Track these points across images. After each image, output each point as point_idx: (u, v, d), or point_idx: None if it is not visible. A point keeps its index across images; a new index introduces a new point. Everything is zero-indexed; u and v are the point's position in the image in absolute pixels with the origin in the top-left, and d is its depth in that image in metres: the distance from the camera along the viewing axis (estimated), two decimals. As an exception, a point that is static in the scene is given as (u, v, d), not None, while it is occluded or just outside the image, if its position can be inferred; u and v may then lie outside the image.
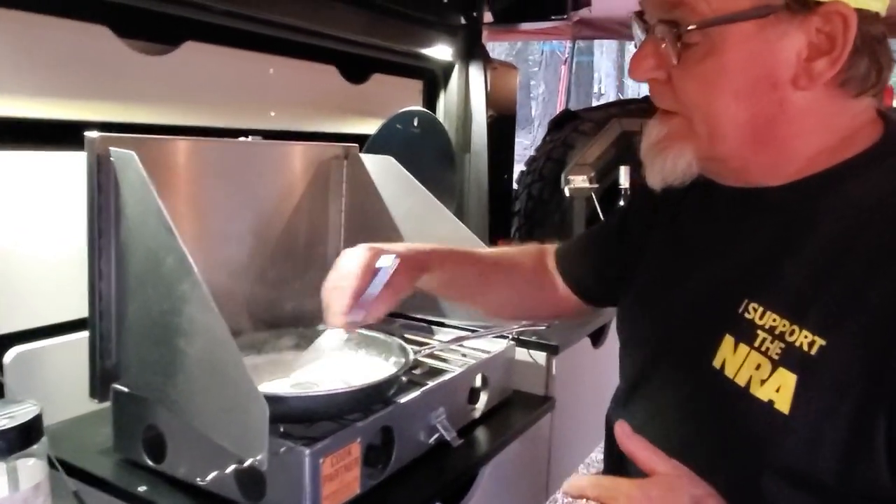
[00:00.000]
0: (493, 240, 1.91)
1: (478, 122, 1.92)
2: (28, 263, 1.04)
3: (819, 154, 0.66)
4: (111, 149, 0.89)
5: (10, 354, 0.99)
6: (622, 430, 0.62)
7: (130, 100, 1.21)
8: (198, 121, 1.31)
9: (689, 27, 0.62)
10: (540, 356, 1.30)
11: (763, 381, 0.62)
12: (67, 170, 1.05)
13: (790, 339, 0.61)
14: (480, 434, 1.09)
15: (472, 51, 1.92)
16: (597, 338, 1.55)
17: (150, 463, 0.90)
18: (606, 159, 2.97)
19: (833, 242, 0.63)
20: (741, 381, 0.64)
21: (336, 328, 0.85)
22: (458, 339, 1.17)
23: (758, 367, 0.63)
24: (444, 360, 1.14)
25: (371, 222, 1.30)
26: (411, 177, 1.25)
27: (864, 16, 0.60)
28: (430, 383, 1.00)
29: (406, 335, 1.21)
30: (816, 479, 0.60)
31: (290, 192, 1.26)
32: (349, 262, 0.85)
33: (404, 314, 1.32)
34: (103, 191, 0.90)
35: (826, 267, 0.62)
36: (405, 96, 1.87)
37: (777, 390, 0.61)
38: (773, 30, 0.61)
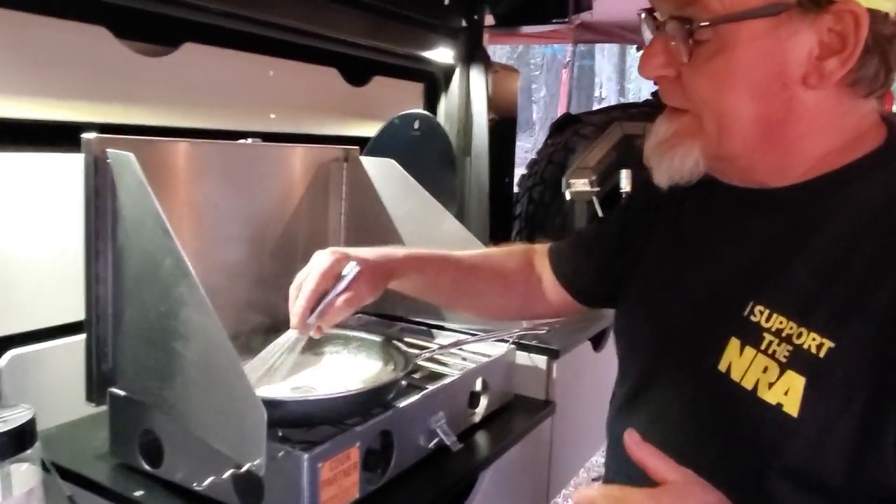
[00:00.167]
0: (493, 243, 1.90)
1: (479, 125, 1.92)
2: (24, 266, 1.03)
3: (827, 155, 0.66)
4: (108, 150, 0.89)
5: (6, 358, 0.98)
6: (631, 438, 0.61)
7: (129, 101, 1.20)
8: (197, 123, 1.31)
9: (701, 24, 0.62)
10: (540, 360, 1.29)
11: (771, 385, 0.61)
12: (65, 171, 1.04)
13: (798, 342, 0.61)
14: (480, 438, 1.08)
15: (474, 54, 1.92)
16: (597, 341, 1.55)
17: (146, 468, 0.89)
18: (607, 163, 2.97)
19: (840, 244, 0.62)
20: (748, 384, 0.63)
21: (293, 328, 0.85)
22: (458, 343, 1.17)
23: (765, 370, 0.62)
24: (444, 364, 1.13)
25: (371, 225, 1.30)
26: (412, 179, 1.25)
27: (876, 15, 0.60)
28: (430, 387, 0.99)
29: (406, 339, 1.21)
30: (824, 481, 0.59)
31: (290, 195, 1.25)
32: (312, 265, 0.85)
33: (404, 318, 1.31)
34: (100, 193, 0.90)
35: (833, 268, 0.61)
36: (406, 99, 1.87)
37: (785, 393, 0.60)
38: (784, 28, 0.60)
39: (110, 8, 1.13)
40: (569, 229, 2.77)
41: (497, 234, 2.05)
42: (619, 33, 4.18)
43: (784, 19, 0.60)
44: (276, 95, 1.48)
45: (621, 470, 0.83)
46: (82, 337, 0.93)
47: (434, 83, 1.95)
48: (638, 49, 0.71)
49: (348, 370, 1.03)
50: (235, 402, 0.73)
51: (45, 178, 1.05)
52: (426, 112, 1.75)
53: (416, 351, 1.06)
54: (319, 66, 1.59)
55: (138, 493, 0.86)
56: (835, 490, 0.59)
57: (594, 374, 1.50)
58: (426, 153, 1.67)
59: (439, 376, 1.06)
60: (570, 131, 3.18)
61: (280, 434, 0.83)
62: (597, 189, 2.59)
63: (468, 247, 1.14)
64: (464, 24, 1.90)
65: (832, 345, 0.59)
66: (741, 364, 0.64)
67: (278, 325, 1.20)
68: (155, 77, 1.23)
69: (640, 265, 0.84)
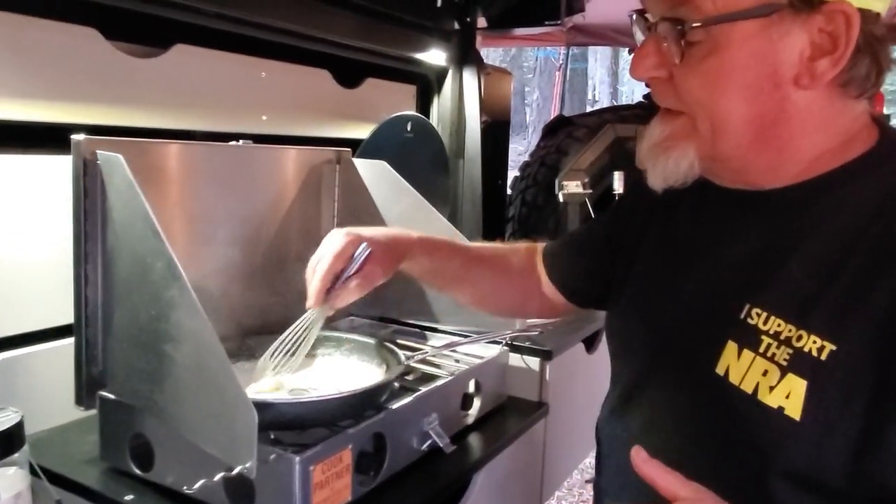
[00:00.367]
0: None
1: (471, 128, 1.92)
2: (13, 268, 1.03)
3: (821, 156, 0.66)
4: (98, 152, 0.88)
5: (-5, 361, 0.97)
6: (639, 455, 0.60)
7: (119, 103, 1.20)
8: (188, 124, 1.30)
9: (693, 25, 0.62)
10: (533, 362, 1.29)
11: (772, 388, 0.61)
12: (54, 173, 1.03)
13: (798, 345, 0.61)
14: (473, 440, 1.08)
15: (466, 56, 1.92)
16: (590, 343, 1.55)
17: (137, 471, 0.88)
18: (600, 165, 2.97)
19: (836, 245, 0.62)
20: (748, 387, 0.63)
21: (310, 308, 0.87)
22: (451, 345, 1.16)
23: (765, 373, 0.62)
24: (437, 366, 1.13)
25: (363, 227, 1.29)
26: (404, 181, 1.25)
27: (867, 16, 0.60)
28: (423, 389, 0.99)
29: (399, 340, 1.20)
30: (825, 482, 0.59)
31: (282, 197, 1.25)
32: (326, 246, 0.86)
33: (397, 320, 1.31)
34: (89, 195, 0.89)
35: (830, 270, 0.61)
36: (399, 101, 1.87)
37: (787, 396, 0.60)
38: (776, 28, 0.60)
39: (100, 9, 1.12)
40: (562, 231, 2.77)
41: (490, 236, 2.05)
42: (612, 36, 4.19)
43: (775, 20, 0.60)
44: (267, 97, 1.47)
45: (613, 473, 0.83)
46: (71, 340, 0.93)
47: (427, 85, 1.95)
48: (630, 52, 0.71)
49: (341, 372, 1.03)
50: (226, 405, 0.72)
51: (34, 180, 1.04)
52: (419, 114, 1.75)
53: (409, 353, 1.06)
54: (312, 68, 1.59)
55: (128, 498, 0.85)
56: (836, 491, 0.59)
57: (587, 375, 1.50)
58: (419, 155, 1.67)
59: (432, 378, 1.06)
60: (562, 134, 3.19)
61: (272, 436, 0.82)
62: (589, 191, 2.59)
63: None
64: (456, 26, 1.90)
65: (833, 347, 0.59)
66: (739, 367, 0.64)
67: (270, 327, 1.19)
68: (145, 78, 1.23)
69: (634, 266, 0.83)
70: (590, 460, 2.00)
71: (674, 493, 0.57)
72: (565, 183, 2.62)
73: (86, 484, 0.88)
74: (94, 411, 0.92)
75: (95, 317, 0.92)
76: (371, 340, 1.07)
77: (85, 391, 0.93)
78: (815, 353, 0.59)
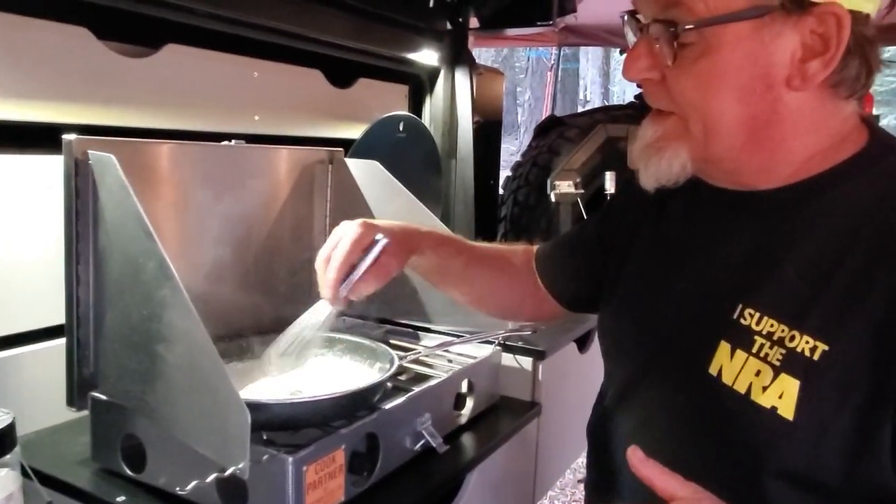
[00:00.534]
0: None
1: (464, 128, 1.92)
2: (4, 268, 1.02)
3: (812, 157, 0.66)
4: (89, 152, 0.88)
5: (-15, 362, 0.97)
6: (635, 456, 0.60)
7: (111, 103, 1.19)
8: (180, 124, 1.30)
9: (686, 27, 0.62)
10: (526, 361, 1.29)
11: (765, 388, 0.62)
12: (45, 173, 1.03)
13: (791, 345, 0.61)
14: (466, 440, 1.08)
15: (459, 56, 1.92)
16: (583, 343, 1.55)
17: (129, 473, 0.88)
18: (592, 165, 2.99)
19: (829, 247, 0.63)
20: (741, 388, 0.63)
21: (324, 300, 0.85)
22: (444, 345, 1.17)
23: (758, 373, 0.62)
24: (430, 366, 1.13)
25: (356, 227, 1.29)
26: (396, 181, 1.25)
27: (857, 17, 0.60)
28: (416, 389, 0.99)
29: (391, 341, 1.20)
30: (820, 481, 0.60)
31: (274, 197, 1.24)
32: (343, 236, 0.84)
33: (390, 320, 1.31)
34: (81, 195, 0.89)
35: (823, 271, 0.62)
36: (391, 101, 1.87)
37: (780, 397, 0.61)
38: (768, 30, 0.61)
39: (92, 8, 1.11)
40: (554, 231, 2.79)
41: (482, 236, 2.05)
42: (604, 36, 4.20)
43: (767, 21, 0.60)
44: (260, 97, 1.47)
45: (606, 473, 0.83)
46: (63, 341, 0.92)
47: (419, 85, 1.95)
48: (622, 53, 0.71)
49: (334, 372, 1.03)
50: (219, 406, 0.72)
51: (25, 180, 1.04)
52: (411, 114, 1.75)
53: (402, 353, 1.06)
54: (304, 68, 1.58)
55: (120, 499, 0.85)
56: (831, 490, 0.59)
57: (579, 375, 1.50)
58: (411, 155, 1.67)
59: (425, 378, 1.06)
60: (554, 134, 3.20)
61: (264, 437, 0.82)
62: (581, 191, 2.60)
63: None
64: (449, 26, 1.90)
65: (826, 347, 0.59)
66: (732, 367, 0.65)
67: (263, 327, 1.19)
68: (137, 78, 1.22)
69: (626, 266, 0.84)
70: (582, 460, 2.01)
71: (671, 494, 0.57)
72: (557, 183, 2.63)
73: (77, 485, 0.88)
74: (85, 412, 0.92)
75: (87, 317, 0.91)
76: (364, 340, 1.07)
77: (76, 392, 0.92)
78: (807, 354, 0.60)
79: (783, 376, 0.61)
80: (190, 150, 1.11)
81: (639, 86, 0.72)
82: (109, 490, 0.87)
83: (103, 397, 0.90)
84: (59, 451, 0.95)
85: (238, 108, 1.44)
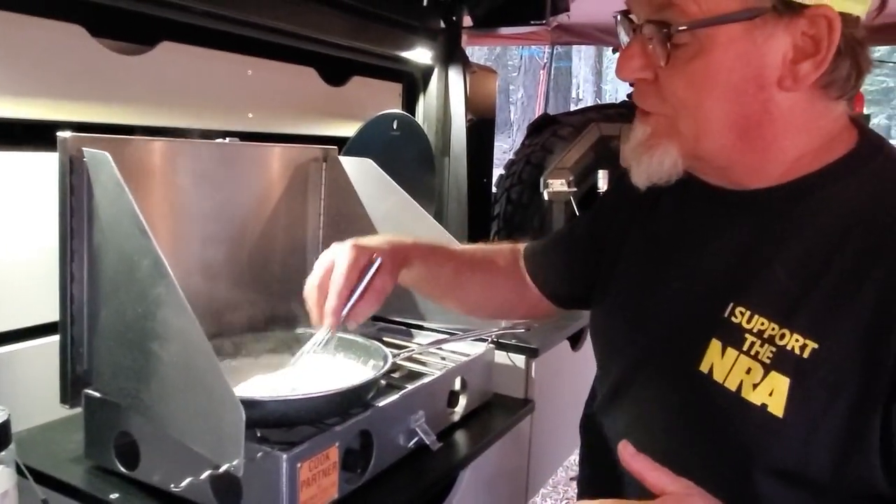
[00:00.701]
0: (472, 243, 1.91)
1: (457, 126, 1.93)
2: (-3, 266, 1.02)
3: (803, 156, 0.67)
4: (84, 149, 0.87)
5: (-22, 359, 0.96)
6: (626, 450, 0.61)
7: (105, 100, 1.19)
8: (174, 122, 1.30)
9: (679, 28, 0.63)
10: (519, 359, 1.30)
11: (755, 386, 0.62)
12: (40, 171, 1.02)
13: (781, 343, 0.62)
14: (460, 437, 1.08)
15: (452, 54, 1.92)
16: (575, 340, 1.56)
17: (122, 470, 0.88)
18: (585, 163, 2.99)
19: (820, 246, 0.64)
20: (731, 385, 0.64)
21: (323, 327, 0.84)
22: (438, 343, 1.17)
23: (748, 371, 0.63)
24: (424, 364, 1.13)
25: (350, 225, 1.29)
26: (390, 179, 1.25)
27: (847, 19, 0.61)
28: (409, 387, 0.99)
29: (385, 338, 1.21)
30: (811, 478, 0.61)
31: (268, 195, 1.24)
32: (337, 261, 0.83)
33: (383, 317, 1.31)
34: (76, 192, 0.89)
35: (813, 271, 0.63)
36: (384, 99, 1.87)
37: (770, 394, 0.61)
38: (760, 32, 0.62)
39: (87, 6, 1.11)
40: (547, 229, 2.79)
41: (475, 234, 2.06)
42: (596, 35, 4.21)
43: (759, 23, 0.61)
44: (254, 95, 1.47)
45: (599, 470, 0.84)
46: (57, 338, 0.92)
47: (412, 83, 1.95)
48: (614, 51, 0.72)
49: (327, 370, 1.03)
50: (214, 403, 0.72)
51: (19, 177, 1.03)
52: (405, 112, 1.75)
53: (395, 350, 1.06)
54: (298, 66, 1.58)
55: (114, 496, 0.85)
56: (822, 486, 0.60)
57: (572, 372, 1.51)
58: (405, 153, 1.67)
59: (418, 375, 1.06)
60: (547, 132, 3.21)
61: (258, 434, 0.82)
62: (574, 189, 2.62)
63: (447, 247, 1.14)
64: (442, 25, 1.91)
65: (815, 346, 0.60)
66: (723, 365, 0.65)
67: (256, 324, 1.20)
68: (132, 76, 1.22)
69: (618, 265, 0.84)
70: (575, 457, 2.02)
71: (662, 488, 0.58)
72: (550, 181, 2.64)
73: (71, 483, 0.88)
74: (78, 410, 0.92)
75: (81, 314, 0.91)
76: (357, 338, 1.07)
77: (70, 389, 0.92)
78: (797, 352, 0.61)
79: (773, 374, 0.61)
80: (184, 148, 1.11)
81: (632, 85, 0.73)
82: (103, 487, 0.87)
83: (97, 394, 0.90)
84: (52, 449, 0.95)
85: (232, 105, 1.44)
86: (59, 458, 0.93)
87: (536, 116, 3.76)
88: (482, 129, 2.19)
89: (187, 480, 0.78)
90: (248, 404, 0.72)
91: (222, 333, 1.11)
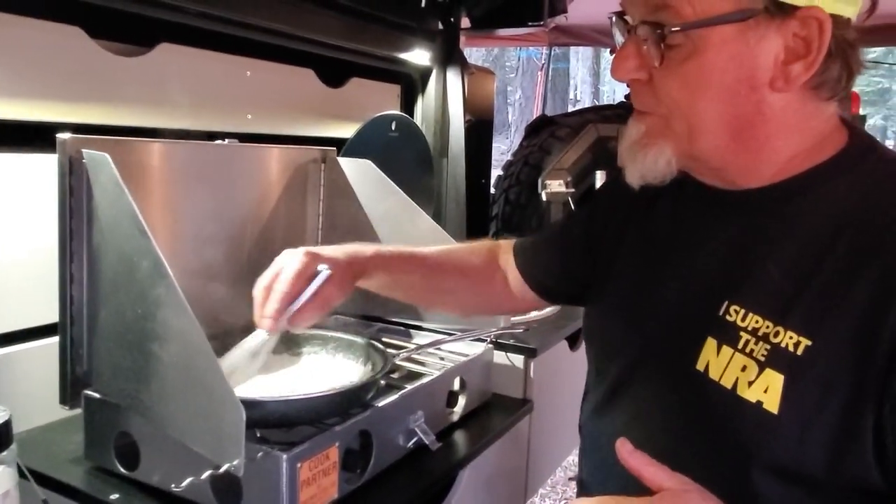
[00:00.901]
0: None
1: (455, 127, 1.93)
2: (-3, 267, 1.02)
3: (795, 156, 0.68)
4: (84, 150, 0.88)
5: (-22, 361, 0.97)
6: (624, 447, 0.61)
7: (104, 102, 1.19)
8: (173, 123, 1.30)
9: (673, 29, 0.64)
10: (518, 359, 1.30)
11: (750, 383, 0.63)
12: (39, 172, 1.03)
13: (775, 341, 0.63)
14: (459, 437, 1.08)
15: (450, 56, 1.92)
16: (574, 340, 1.56)
17: (122, 471, 0.88)
18: (583, 164, 2.99)
19: (812, 245, 0.64)
20: (727, 383, 0.65)
21: (262, 329, 0.84)
22: (436, 343, 1.17)
23: (744, 368, 0.64)
24: (423, 364, 1.13)
25: (348, 226, 1.30)
26: (389, 180, 1.25)
27: (838, 21, 0.62)
28: (409, 387, 0.99)
29: (384, 339, 1.21)
30: (806, 474, 0.61)
31: (267, 196, 1.25)
32: (285, 266, 0.84)
33: (382, 318, 1.32)
34: (75, 193, 0.89)
35: (807, 268, 0.63)
36: (383, 100, 1.87)
37: (765, 391, 0.62)
38: (752, 33, 0.62)
39: (85, 7, 1.11)
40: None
41: (474, 234, 2.06)
42: (594, 36, 4.22)
43: (752, 25, 0.62)
44: (253, 96, 1.47)
45: (596, 468, 0.84)
46: (56, 339, 0.92)
47: (411, 85, 1.96)
48: (612, 53, 0.72)
49: (327, 370, 1.03)
50: (214, 403, 0.72)
51: (19, 178, 1.03)
52: (403, 113, 1.76)
53: (395, 351, 1.06)
54: (296, 68, 1.58)
55: (114, 497, 0.85)
56: (817, 482, 0.61)
57: (571, 372, 1.51)
58: (403, 154, 1.67)
59: (417, 376, 1.07)
60: (545, 133, 3.21)
61: (258, 435, 0.83)
62: (572, 190, 2.62)
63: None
64: (440, 26, 1.91)
65: (809, 343, 0.61)
66: (719, 363, 0.66)
67: (255, 326, 1.19)
68: (131, 77, 1.22)
69: (615, 265, 0.85)
70: (573, 458, 2.02)
71: (659, 485, 0.58)
72: (548, 182, 2.64)
73: (71, 483, 0.88)
74: (77, 411, 0.92)
75: (81, 315, 0.91)
76: (356, 339, 1.07)
77: (70, 390, 0.92)
78: (791, 349, 0.61)
79: (768, 371, 0.62)
80: (183, 149, 1.11)
81: (629, 86, 0.74)
82: (103, 488, 0.87)
83: (97, 395, 0.90)
84: (51, 450, 0.95)
85: (231, 106, 1.44)
86: (59, 459, 0.93)
87: (534, 117, 3.76)
88: (480, 129, 2.20)
89: (187, 481, 0.78)
90: (249, 404, 0.72)
91: (221, 334, 1.11)
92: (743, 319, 0.65)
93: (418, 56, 1.85)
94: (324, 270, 0.83)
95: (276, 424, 0.84)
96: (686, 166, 0.71)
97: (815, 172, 0.67)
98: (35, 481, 0.80)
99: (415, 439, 0.97)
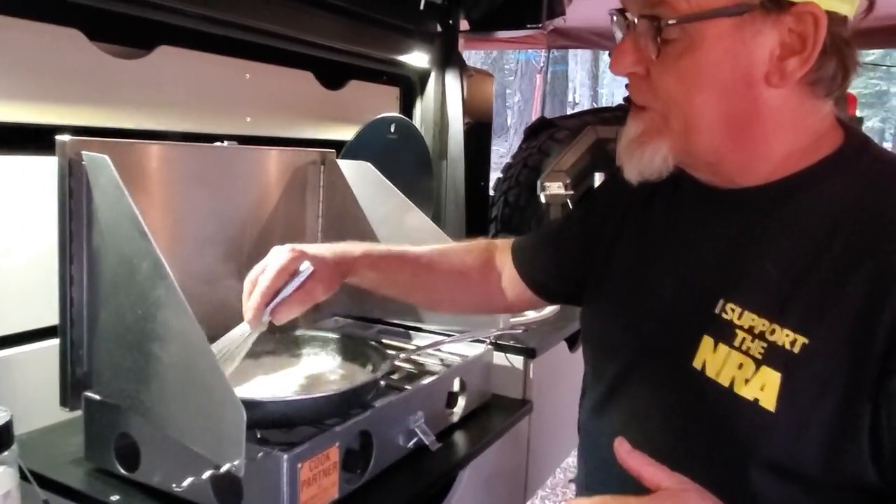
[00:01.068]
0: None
1: (454, 129, 1.93)
2: (-3, 269, 1.02)
3: (791, 154, 0.68)
4: (83, 152, 0.88)
5: (-21, 363, 0.97)
6: (622, 447, 0.61)
7: (104, 104, 1.19)
8: (172, 125, 1.30)
9: (669, 22, 0.64)
10: (517, 360, 1.31)
11: (747, 381, 0.63)
12: (39, 174, 1.03)
13: (772, 339, 0.63)
14: (459, 438, 1.09)
15: (449, 58, 1.93)
16: (573, 341, 1.56)
17: (123, 472, 0.88)
18: (581, 166, 3.00)
19: (808, 243, 0.64)
20: (724, 381, 0.65)
21: (245, 322, 0.86)
22: (436, 344, 1.17)
23: (740, 366, 0.64)
24: (422, 365, 1.14)
25: (348, 228, 1.30)
26: (388, 182, 1.25)
27: (834, 18, 0.62)
28: (409, 388, 1.00)
29: (384, 340, 1.21)
30: (803, 472, 0.61)
31: (267, 198, 1.25)
32: (270, 262, 0.86)
33: (382, 319, 1.32)
34: (75, 195, 0.89)
35: (803, 267, 0.64)
36: (382, 103, 1.87)
37: (762, 389, 0.62)
38: (748, 28, 0.63)
39: (84, 10, 1.12)
40: (544, 232, 2.78)
41: (473, 236, 2.06)
42: (593, 39, 4.22)
43: (748, 19, 0.62)
44: (252, 99, 1.47)
45: (595, 468, 0.84)
46: (56, 341, 0.92)
47: (410, 87, 1.96)
48: (610, 54, 0.73)
49: (327, 372, 1.04)
50: (214, 404, 0.73)
51: (18, 181, 1.04)
52: (402, 116, 1.76)
53: (395, 352, 1.07)
54: (295, 70, 1.59)
55: (114, 498, 0.85)
56: (814, 480, 0.61)
57: (570, 373, 1.51)
58: (402, 156, 1.68)
59: (417, 377, 1.07)
60: (544, 135, 3.21)
61: (259, 435, 0.83)
62: (571, 192, 2.62)
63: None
64: (439, 28, 1.91)
65: (806, 341, 0.61)
66: (716, 361, 0.66)
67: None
68: (130, 80, 1.22)
69: (611, 263, 0.85)
70: (572, 459, 2.02)
71: (657, 484, 0.58)
72: (547, 184, 2.64)
73: (71, 485, 0.88)
74: (78, 412, 0.92)
75: (81, 317, 0.92)
76: (357, 340, 1.07)
77: (70, 392, 0.92)
78: (788, 347, 0.61)
79: (764, 369, 0.62)
80: (183, 151, 1.11)
81: (627, 87, 0.74)
82: (103, 489, 0.87)
83: (97, 397, 0.90)
84: (52, 452, 0.95)
85: (230, 109, 1.44)
86: (60, 460, 0.93)
87: (533, 120, 3.77)
88: (479, 132, 2.20)
89: (188, 481, 0.78)
90: (249, 405, 0.72)
91: (220, 335, 1.11)
92: (739, 317, 0.66)
93: (417, 58, 1.86)
94: (307, 268, 0.85)
95: (276, 425, 0.84)
96: (682, 163, 0.72)
97: (811, 171, 0.67)
98: (36, 483, 0.80)
99: (415, 440, 0.97)
